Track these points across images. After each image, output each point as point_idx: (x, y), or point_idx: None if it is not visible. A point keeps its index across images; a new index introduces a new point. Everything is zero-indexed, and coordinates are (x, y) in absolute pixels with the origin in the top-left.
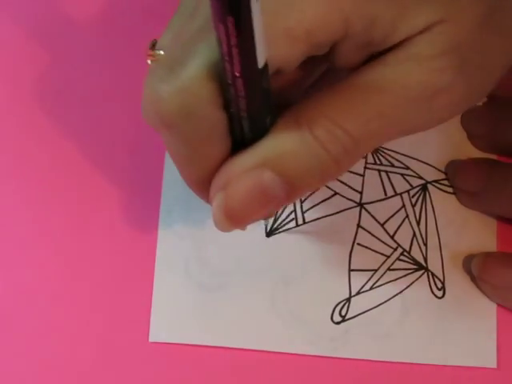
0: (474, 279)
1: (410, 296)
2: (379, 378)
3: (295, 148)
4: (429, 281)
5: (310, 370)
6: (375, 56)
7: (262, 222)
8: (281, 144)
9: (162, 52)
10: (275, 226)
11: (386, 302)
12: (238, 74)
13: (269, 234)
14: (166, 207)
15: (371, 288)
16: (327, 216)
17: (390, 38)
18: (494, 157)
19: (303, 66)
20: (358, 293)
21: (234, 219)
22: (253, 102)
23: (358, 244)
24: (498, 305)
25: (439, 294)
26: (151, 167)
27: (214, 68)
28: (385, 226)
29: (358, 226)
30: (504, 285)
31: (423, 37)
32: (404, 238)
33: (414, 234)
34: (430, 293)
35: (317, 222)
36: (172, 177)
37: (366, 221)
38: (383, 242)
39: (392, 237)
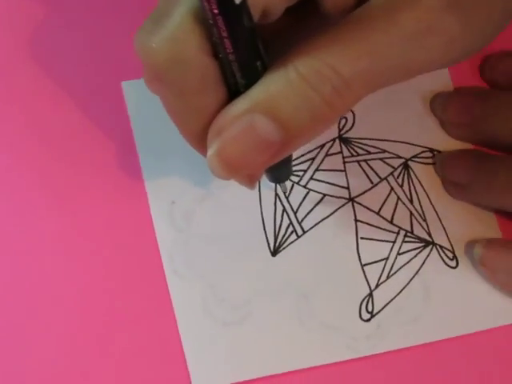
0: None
1: (427, 273)
2: (418, 363)
3: (283, 89)
4: (439, 254)
5: (351, 375)
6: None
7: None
8: (269, 87)
9: None
10: (277, 244)
11: (406, 286)
12: (216, 12)
13: (274, 253)
14: (168, 257)
15: (388, 277)
16: (324, 219)
17: None
18: (468, 146)
19: (293, 13)
20: (377, 285)
21: (229, 165)
22: (237, 41)
23: (362, 238)
24: None
25: (453, 263)
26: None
27: (199, 14)
28: (381, 213)
29: (356, 220)
30: (505, 270)
31: None
32: (403, 219)
33: (411, 213)
34: (444, 265)
35: (316, 228)
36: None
37: (362, 213)
38: (384, 230)
39: (391, 222)
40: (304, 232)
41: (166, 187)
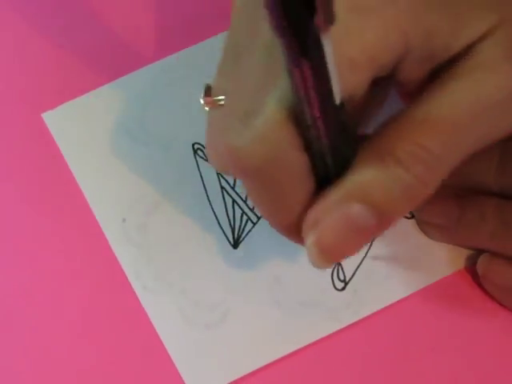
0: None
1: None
2: (401, 319)
3: (380, 176)
4: None
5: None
6: (440, 70)
7: None
8: (364, 175)
9: (222, 97)
10: (236, 235)
11: (370, 246)
12: (317, 115)
13: (235, 245)
14: (134, 275)
15: None
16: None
17: (451, 46)
18: None
19: (370, 88)
20: None
21: (329, 255)
22: (334, 138)
23: None
24: None
25: (408, 214)
26: None
27: (290, 110)
28: None
29: None
30: (508, 285)
31: (487, 41)
32: None
33: None
34: None
35: None
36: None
37: None
38: None
39: None
40: (259, 218)
41: (113, 207)
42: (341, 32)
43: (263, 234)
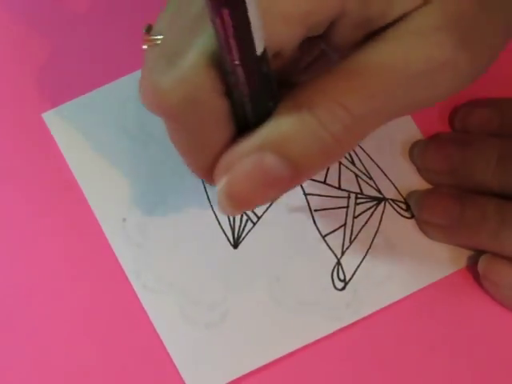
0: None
1: (387, 229)
2: (401, 319)
3: (295, 128)
4: (393, 208)
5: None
6: (373, 34)
7: None
8: (281, 126)
9: (159, 36)
10: (236, 235)
11: (370, 246)
12: (237, 63)
13: (235, 245)
14: (134, 274)
15: (351, 242)
16: (274, 201)
17: (386, 14)
18: None
19: (301, 46)
20: (343, 252)
21: (237, 203)
22: (254, 87)
23: (316, 210)
24: None
25: (408, 214)
26: None
27: (214, 56)
28: (327, 181)
29: (305, 194)
30: (509, 285)
31: (421, 11)
32: (350, 183)
33: (356, 175)
34: (400, 217)
35: (268, 211)
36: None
37: (309, 186)
38: (335, 197)
39: (339, 188)
40: (258, 218)
41: (114, 206)
42: None
43: (263, 234)
